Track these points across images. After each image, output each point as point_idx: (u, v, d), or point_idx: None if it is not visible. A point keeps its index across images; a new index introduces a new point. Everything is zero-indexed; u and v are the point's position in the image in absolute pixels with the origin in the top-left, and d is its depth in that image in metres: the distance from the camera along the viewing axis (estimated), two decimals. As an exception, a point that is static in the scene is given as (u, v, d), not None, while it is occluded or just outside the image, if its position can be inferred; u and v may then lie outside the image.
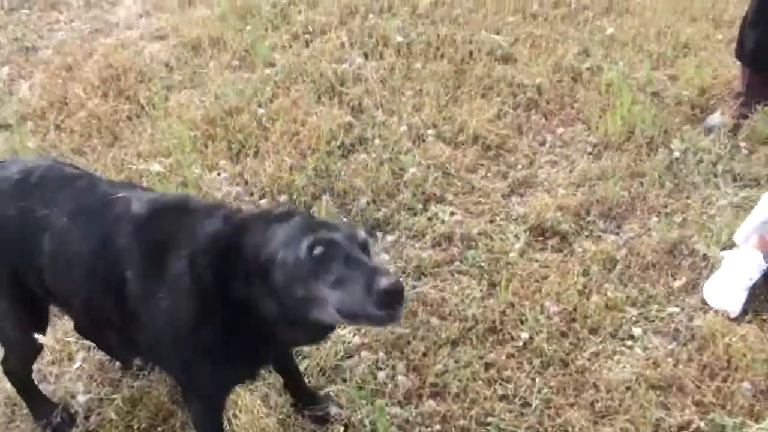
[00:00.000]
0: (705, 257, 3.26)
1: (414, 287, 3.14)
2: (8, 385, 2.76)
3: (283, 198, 3.53)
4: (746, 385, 2.72)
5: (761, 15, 3.77)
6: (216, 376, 2.19)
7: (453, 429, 2.62)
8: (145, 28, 5.36)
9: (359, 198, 3.55)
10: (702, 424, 2.62)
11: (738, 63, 4.08)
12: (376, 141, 3.87)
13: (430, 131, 3.97)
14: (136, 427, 2.62)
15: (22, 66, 5.00)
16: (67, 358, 2.94)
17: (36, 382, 2.73)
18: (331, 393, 2.74)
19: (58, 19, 5.66)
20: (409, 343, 2.90)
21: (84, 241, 2.16)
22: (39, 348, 2.54)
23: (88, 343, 2.97)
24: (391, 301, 1.80)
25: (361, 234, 1.97)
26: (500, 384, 2.77)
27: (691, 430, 2.61)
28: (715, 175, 3.71)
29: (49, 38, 5.35)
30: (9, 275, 2.31)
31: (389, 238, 3.38)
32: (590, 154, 3.91)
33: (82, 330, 2.91)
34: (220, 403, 2.35)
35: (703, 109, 4.15)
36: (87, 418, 2.70)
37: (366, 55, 4.61)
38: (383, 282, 1.77)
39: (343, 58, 4.57)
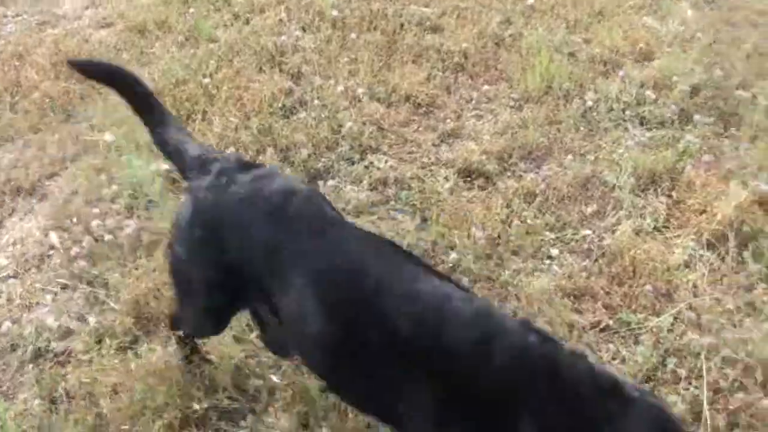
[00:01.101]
0: (614, 187, 3.64)
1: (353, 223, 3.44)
2: None
3: (230, 150, 3.81)
4: (648, 287, 3.11)
5: None
6: None
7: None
8: (91, 18, 5.54)
9: (300, 151, 3.84)
10: (611, 322, 3.01)
11: None
12: (315, 102, 4.18)
13: (364, 92, 4.28)
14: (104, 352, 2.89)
15: (-29, 57, 5.17)
16: (35, 303, 3.20)
17: (9, 324, 3.03)
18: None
19: (5, 14, 5.80)
20: (350, 268, 3.20)
21: (321, 321, 2.10)
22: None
23: (55, 288, 3.24)
24: None
25: None
26: (433, 298, 3.09)
27: (601, 327, 2.99)
28: (624, 120, 4.10)
29: (-4, 31, 5.53)
30: (216, 279, 2.32)
31: (330, 183, 3.69)
32: (512, 107, 4.27)
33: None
34: None
35: (614, 66, 4.54)
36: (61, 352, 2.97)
37: (303, 29, 4.90)
38: None
39: (282, 32, 4.85)
